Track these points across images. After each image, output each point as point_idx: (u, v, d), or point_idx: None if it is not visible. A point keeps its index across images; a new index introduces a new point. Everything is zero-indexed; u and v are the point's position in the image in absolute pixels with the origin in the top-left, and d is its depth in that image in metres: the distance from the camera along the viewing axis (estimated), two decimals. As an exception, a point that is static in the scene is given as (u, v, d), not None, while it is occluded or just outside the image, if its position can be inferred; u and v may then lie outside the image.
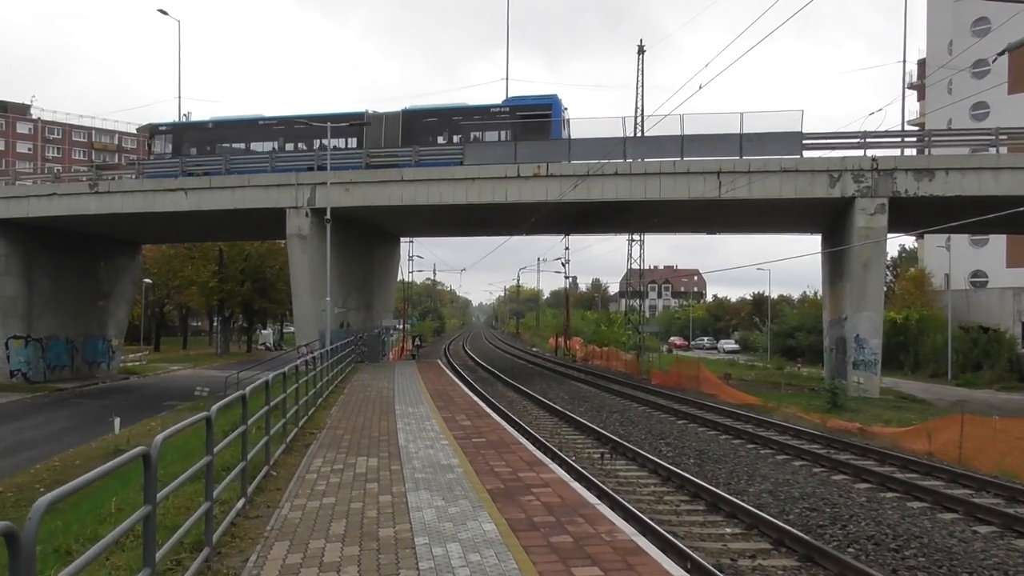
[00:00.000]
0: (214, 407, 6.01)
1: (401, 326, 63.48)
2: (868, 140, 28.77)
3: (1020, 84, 50.12)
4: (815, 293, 76.08)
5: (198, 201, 34.35)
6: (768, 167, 29.15)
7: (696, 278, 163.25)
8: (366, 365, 32.96)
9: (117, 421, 20.07)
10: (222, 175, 35.86)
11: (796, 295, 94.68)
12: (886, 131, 27.69)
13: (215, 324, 70.56)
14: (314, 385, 15.54)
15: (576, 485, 8.34)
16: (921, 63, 70.17)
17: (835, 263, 32.26)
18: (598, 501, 7.54)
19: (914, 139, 28.78)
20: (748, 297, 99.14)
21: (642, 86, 54.88)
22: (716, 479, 12.79)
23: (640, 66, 54.17)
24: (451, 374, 28.93)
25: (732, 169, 29.74)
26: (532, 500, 7.58)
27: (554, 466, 9.43)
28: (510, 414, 18.38)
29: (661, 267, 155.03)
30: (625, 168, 30.89)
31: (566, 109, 32.95)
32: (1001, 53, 18.14)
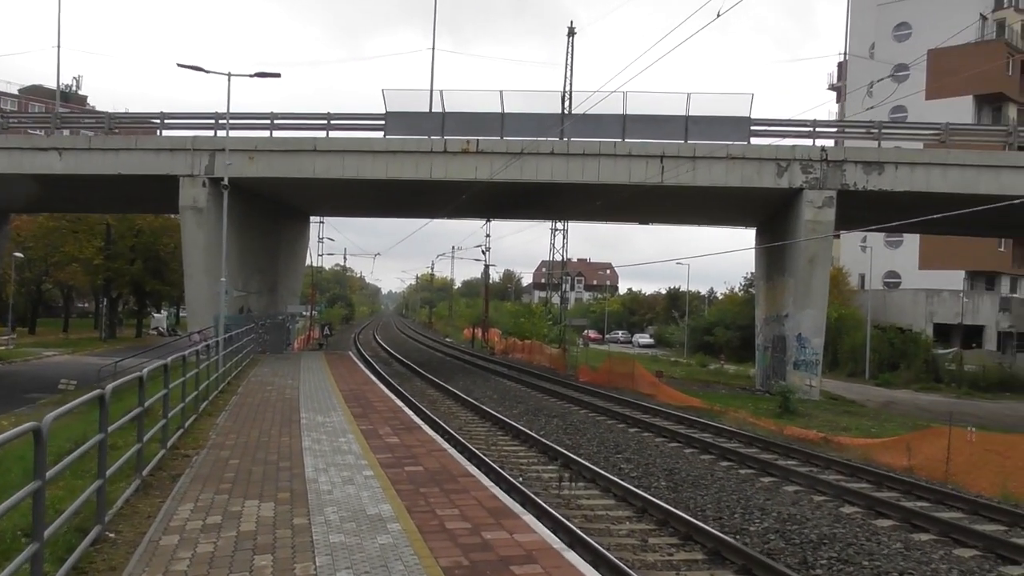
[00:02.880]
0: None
1: (308, 313, 59.47)
2: (818, 129, 27.23)
3: (937, 90, 50.35)
4: (732, 289, 75.93)
5: (75, 164, 30.00)
6: (714, 153, 27.22)
7: (608, 271, 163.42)
8: (268, 356, 29.44)
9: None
10: (104, 135, 31.61)
11: (704, 291, 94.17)
12: (837, 120, 26.05)
13: (102, 306, 64.63)
14: (195, 386, 12.33)
15: (573, 558, 5.67)
16: (841, 65, 70.66)
17: (775, 258, 30.71)
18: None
19: (864, 130, 27.33)
20: (663, 291, 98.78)
21: (571, 68, 52.81)
22: (703, 511, 10.38)
23: (569, 48, 52.02)
24: (364, 368, 25.88)
25: (676, 153, 27.68)
26: (518, 593, 4.86)
27: (530, 519, 6.72)
28: (447, 427, 15.43)
29: (575, 259, 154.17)
30: (562, 147, 28.42)
31: None
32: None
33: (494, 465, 11.32)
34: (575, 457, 13.41)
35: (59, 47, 46.17)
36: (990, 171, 25.23)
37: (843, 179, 26.80)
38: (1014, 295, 52.84)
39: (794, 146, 27.59)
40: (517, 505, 7.19)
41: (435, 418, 16.15)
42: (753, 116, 28.08)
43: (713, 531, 9.00)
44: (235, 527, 6.30)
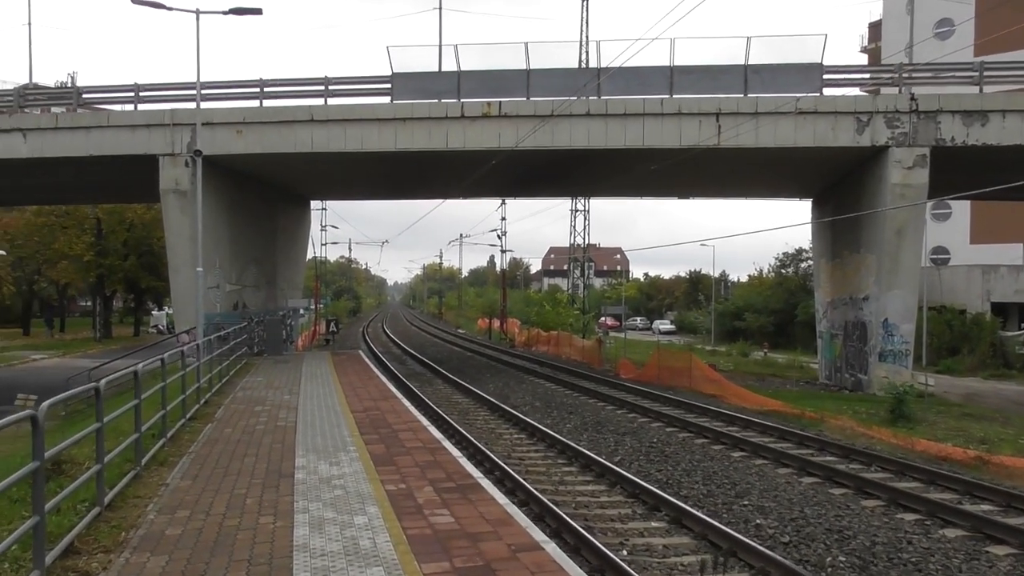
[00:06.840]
0: None
1: (313, 307, 55.55)
2: (906, 76, 23.01)
3: (988, 46, 45.74)
4: (761, 271, 71.55)
5: (41, 146, 26.09)
6: (781, 107, 23.00)
7: (619, 256, 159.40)
8: (264, 359, 25.46)
9: None
10: (72, 112, 27.61)
11: (715, 274, 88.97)
12: (929, 63, 21.77)
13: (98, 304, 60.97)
14: (136, 427, 8.28)
15: None
16: (874, 26, 66.04)
17: (845, 232, 26.52)
18: None
19: (966, 74, 23.06)
20: (683, 274, 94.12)
21: (586, 22, 48.92)
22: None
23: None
24: (378, 371, 21.89)
25: (735, 109, 23.49)
26: None
27: None
28: (518, 478, 10.57)
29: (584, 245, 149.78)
30: (600, 107, 24.25)
31: None
32: None
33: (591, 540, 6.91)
34: (683, 506, 9.40)
35: (30, 24, 42.02)
36: None
37: (938, 133, 22.57)
38: (1082, 268, 48.38)
39: (875, 96, 23.38)
40: None
41: (497, 460, 11.70)
42: (825, 63, 23.89)
43: None
44: None
